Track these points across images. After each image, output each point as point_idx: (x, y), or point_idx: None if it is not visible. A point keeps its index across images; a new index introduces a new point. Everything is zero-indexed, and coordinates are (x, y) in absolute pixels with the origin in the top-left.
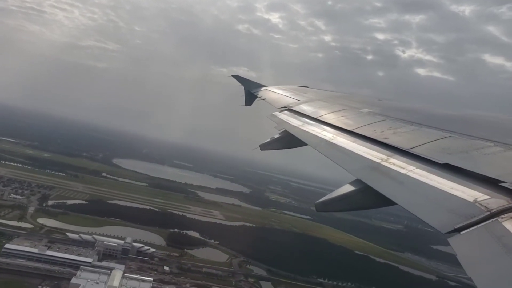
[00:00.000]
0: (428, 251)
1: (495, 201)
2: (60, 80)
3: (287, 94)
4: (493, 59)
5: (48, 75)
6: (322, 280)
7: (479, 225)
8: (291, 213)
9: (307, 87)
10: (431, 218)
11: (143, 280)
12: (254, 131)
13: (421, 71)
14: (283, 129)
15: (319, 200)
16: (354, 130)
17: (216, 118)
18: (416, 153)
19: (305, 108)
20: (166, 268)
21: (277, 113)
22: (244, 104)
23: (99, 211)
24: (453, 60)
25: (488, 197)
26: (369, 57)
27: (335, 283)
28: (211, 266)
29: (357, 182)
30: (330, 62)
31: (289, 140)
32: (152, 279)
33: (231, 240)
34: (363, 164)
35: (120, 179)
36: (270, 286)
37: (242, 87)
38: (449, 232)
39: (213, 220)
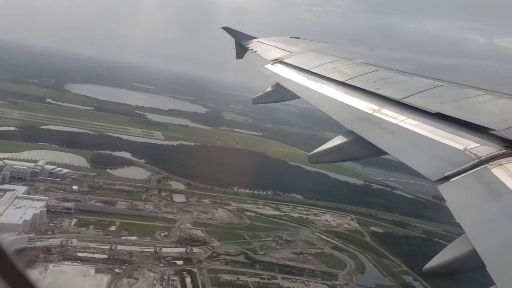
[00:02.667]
0: (368, 159)
1: (485, 148)
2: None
3: (279, 45)
4: None
5: None
6: (240, 190)
7: (468, 172)
8: (242, 130)
9: (299, 38)
10: (421, 167)
11: (38, 199)
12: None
13: None
14: (275, 82)
15: (312, 152)
16: (346, 82)
17: (184, 36)
18: (407, 103)
19: (297, 60)
20: (75, 187)
21: (268, 66)
22: (235, 57)
23: (26, 137)
24: None
25: (478, 144)
26: None
27: (253, 191)
28: (126, 184)
29: (349, 133)
30: None
31: (281, 93)
32: (47, 198)
33: (161, 158)
34: (355, 115)
35: (65, 105)
36: (183, 198)
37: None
38: (439, 180)
39: (150, 141)
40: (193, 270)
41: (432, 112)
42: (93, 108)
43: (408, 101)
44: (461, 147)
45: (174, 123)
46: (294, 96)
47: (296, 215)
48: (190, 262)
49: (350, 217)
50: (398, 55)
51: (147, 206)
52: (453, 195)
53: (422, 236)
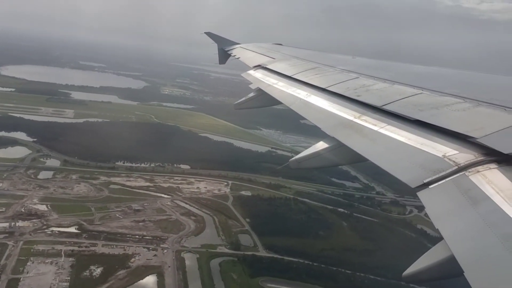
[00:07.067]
0: (292, 126)
1: (463, 155)
2: None
3: (261, 52)
4: None
5: None
6: (123, 164)
7: (447, 179)
8: (174, 104)
9: (281, 44)
10: (401, 173)
11: None
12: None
13: None
14: (258, 88)
15: (293, 158)
16: (328, 88)
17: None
18: (388, 110)
19: (279, 66)
20: None
21: (251, 72)
22: (218, 62)
23: None
24: None
25: (457, 152)
26: None
27: (136, 164)
28: None
29: (330, 139)
30: None
31: (263, 98)
32: None
33: (53, 136)
34: (336, 121)
35: None
36: (49, 175)
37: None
38: (418, 187)
39: (55, 119)
40: (8, 242)
41: (412, 119)
42: (14, 90)
43: (388, 108)
44: (440, 154)
45: (97, 100)
46: (276, 102)
47: (167, 185)
48: (11, 236)
49: (226, 183)
50: (379, 62)
51: (1, 184)
52: (432, 202)
53: (289, 197)
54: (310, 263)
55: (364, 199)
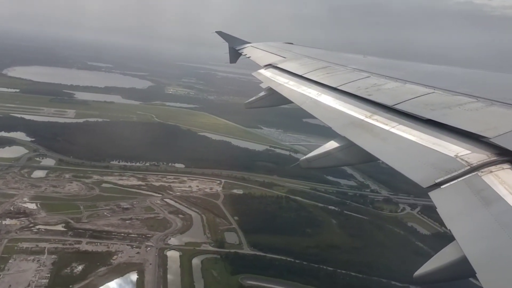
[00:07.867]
0: (294, 125)
1: (476, 155)
2: None
3: (272, 51)
4: None
5: None
6: (117, 163)
7: (459, 179)
8: (177, 104)
9: (292, 43)
10: (413, 173)
11: None
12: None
13: None
14: (268, 87)
15: (304, 157)
16: (339, 87)
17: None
18: (399, 109)
19: (290, 65)
20: None
21: (262, 71)
22: (229, 61)
23: None
24: None
25: (469, 152)
26: None
27: (130, 163)
28: None
29: (341, 138)
30: None
31: (274, 98)
32: None
33: (51, 136)
34: (347, 121)
35: None
36: (43, 174)
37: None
38: (430, 186)
39: (55, 119)
40: None
41: (424, 118)
42: (18, 90)
43: (400, 107)
44: (452, 154)
45: (100, 100)
46: (287, 101)
47: (159, 184)
48: None
49: (218, 182)
50: (391, 61)
51: None
52: (444, 202)
53: (281, 195)
54: (293, 260)
55: (357, 197)
